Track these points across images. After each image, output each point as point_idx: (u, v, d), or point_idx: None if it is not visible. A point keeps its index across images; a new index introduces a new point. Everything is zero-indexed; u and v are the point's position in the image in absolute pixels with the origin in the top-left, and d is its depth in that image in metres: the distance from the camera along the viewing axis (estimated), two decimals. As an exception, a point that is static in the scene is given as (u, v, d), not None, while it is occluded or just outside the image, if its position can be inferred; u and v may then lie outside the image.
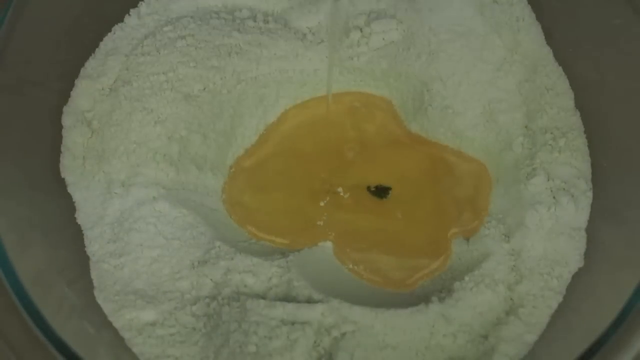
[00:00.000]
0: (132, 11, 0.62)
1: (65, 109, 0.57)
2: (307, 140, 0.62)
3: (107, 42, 0.60)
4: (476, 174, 0.60)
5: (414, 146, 0.61)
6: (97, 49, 0.60)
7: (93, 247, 0.54)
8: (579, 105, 0.58)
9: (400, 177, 0.60)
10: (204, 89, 0.59)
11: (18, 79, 0.52)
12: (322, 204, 0.59)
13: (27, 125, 0.54)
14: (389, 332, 0.49)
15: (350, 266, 0.56)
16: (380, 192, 0.59)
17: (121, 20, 0.61)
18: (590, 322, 0.46)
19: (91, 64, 0.59)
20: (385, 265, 0.56)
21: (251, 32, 0.60)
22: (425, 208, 0.59)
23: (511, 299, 0.51)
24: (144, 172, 0.56)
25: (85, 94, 0.58)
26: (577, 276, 0.51)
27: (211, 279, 0.52)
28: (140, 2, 0.62)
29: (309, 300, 0.50)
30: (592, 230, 0.53)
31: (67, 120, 0.57)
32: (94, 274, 0.53)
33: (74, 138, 0.57)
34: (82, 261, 0.53)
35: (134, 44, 0.60)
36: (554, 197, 0.54)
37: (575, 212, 0.53)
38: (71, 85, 0.58)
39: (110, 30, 0.61)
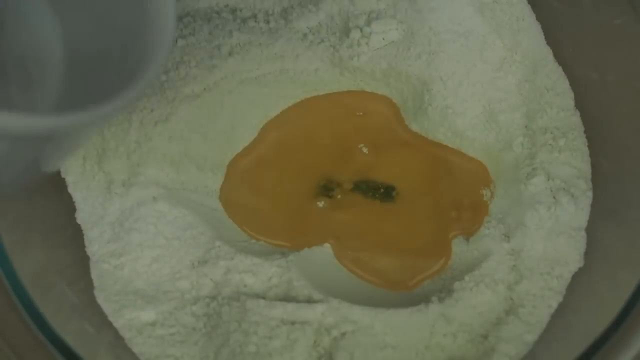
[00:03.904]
0: (132, 11, 0.62)
1: (65, 108, 0.57)
2: (306, 140, 0.62)
3: (107, 42, 0.60)
4: (476, 174, 0.60)
5: (414, 146, 0.61)
6: (97, 49, 0.60)
7: (93, 247, 0.53)
8: (579, 105, 0.58)
9: (400, 177, 0.60)
10: (204, 89, 0.59)
11: (18, 79, 0.52)
12: (321, 204, 0.59)
13: (27, 125, 0.53)
14: (389, 332, 0.49)
15: (350, 267, 0.56)
16: (384, 193, 0.59)
17: (121, 20, 0.61)
18: (590, 322, 0.46)
19: (91, 64, 0.59)
20: (386, 267, 0.56)
21: (251, 32, 0.60)
22: (426, 208, 0.58)
23: (511, 298, 0.51)
24: (144, 172, 0.56)
25: (85, 93, 0.58)
26: (577, 276, 0.51)
27: (211, 279, 0.52)
28: (140, 2, 0.62)
29: (309, 300, 0.50)
30: (592, 230, 0.53)
31: (67, 120, 0.57)
32: (94, 274, 0.53)
33: (74, 138, 0.56)
34: (82, 261, 0.53)
35: (134, 44, 0.60)
36: (554, 197, 0.54)
37: (575, 212, 0.53)
38: (71, 85, 0.58)
39: (110, 30, 0.61)
